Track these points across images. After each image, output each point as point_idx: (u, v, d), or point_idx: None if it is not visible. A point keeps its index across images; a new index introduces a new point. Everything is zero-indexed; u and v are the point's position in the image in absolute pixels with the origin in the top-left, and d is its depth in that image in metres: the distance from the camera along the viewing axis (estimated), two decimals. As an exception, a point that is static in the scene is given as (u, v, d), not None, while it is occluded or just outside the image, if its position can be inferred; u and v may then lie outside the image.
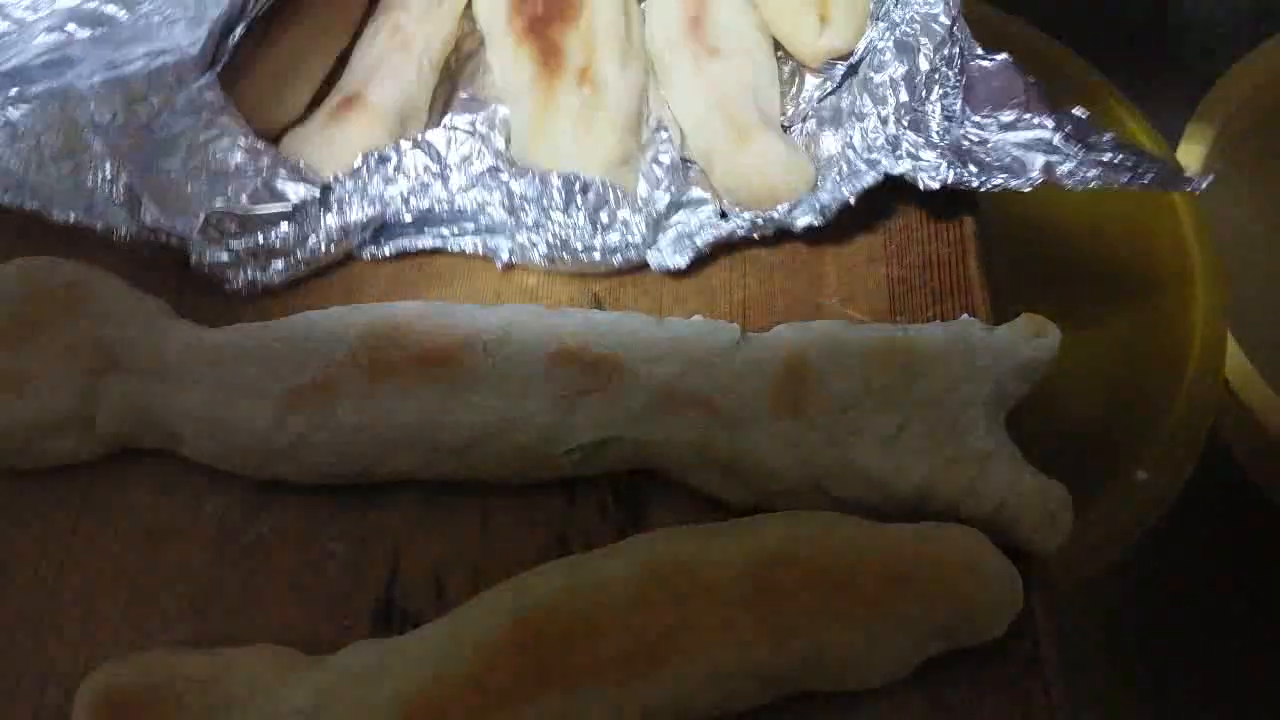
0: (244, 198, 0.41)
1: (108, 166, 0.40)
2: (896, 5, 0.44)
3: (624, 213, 0.41)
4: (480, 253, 0.42)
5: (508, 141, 0.44)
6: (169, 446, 0.37)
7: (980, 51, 0.42)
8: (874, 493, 0.34)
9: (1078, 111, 0.41)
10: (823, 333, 0.36)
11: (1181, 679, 0.62)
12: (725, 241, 0.42)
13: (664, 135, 0.44)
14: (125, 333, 0.37)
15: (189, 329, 0.38)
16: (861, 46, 0.45)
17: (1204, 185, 0.40)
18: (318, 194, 0.41)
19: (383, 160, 0.42)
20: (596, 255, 0.41)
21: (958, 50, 0.42)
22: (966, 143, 0.41)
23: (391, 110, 0.44)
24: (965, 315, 0.38)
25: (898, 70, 0.42)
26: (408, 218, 0.42)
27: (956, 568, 0.32)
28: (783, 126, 0.45)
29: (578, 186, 0.41)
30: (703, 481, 0.36)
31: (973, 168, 0.40)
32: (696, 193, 0.43)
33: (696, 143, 0.44)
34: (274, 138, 0.44)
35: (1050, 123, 0.41)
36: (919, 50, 0.42)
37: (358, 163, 0.42)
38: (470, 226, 0.43)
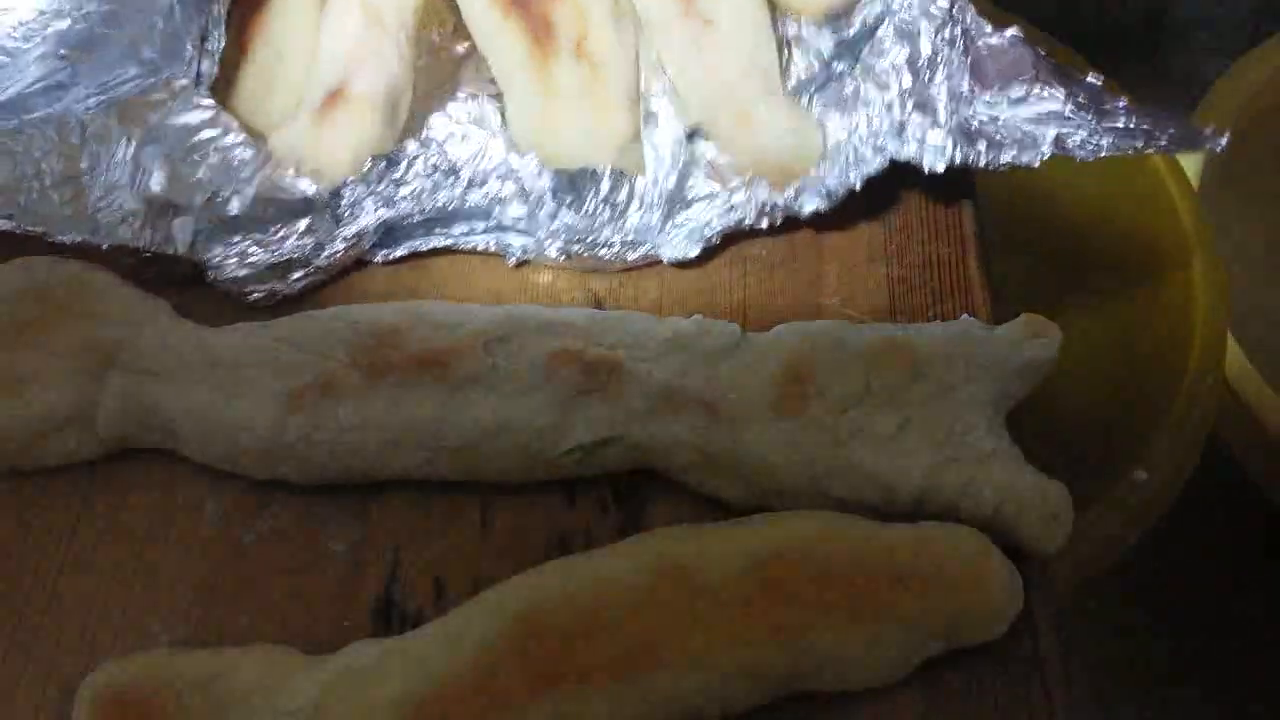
0: (253, 206, 0.40)
1: (125, 178, 0.40)
2: None
3: (635, 205, 0.41)
4: (493, 249, 0.42)
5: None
6: (169, 446, 0.37)
7: (988, 29, 0.41)
8: (874, 493, 0.34)
9: (1091, 78, 0.40)
10: (823, 333, 0.36)
11: (1181, 679, 0.62)
12: (734, 230, 0.41)
13: (665, 105, 0.43)
14: (125, 333, 0.37)
15: (189, 329, 0.38)
16: (858, 20, 0.43)
17: (1223, 144, 0.39)
18: (327, 199, 0.41)
19: (392, 163, 0.41)
20: (613, 249, 0.41)
21: (960, 31, 0.41)
22: (975, 122, 0.40)
23: (380, 99, 0.43)
24: (965, 315, 0.38)
25: (900, 55, 0.42)
26: (419, 218, 0.42)
27: (956, 567, 0.32)
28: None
29: (590, 178, 0.41)
30: (703, 481, 0.36)
31: (981, 146, 0.39)
32: (704, 186, 0.43)
33: (701, 116, 0.43)
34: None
35: (1061, 93, 0.40)
36: (919, 34, 0.41)
37: (366, 165, 0.41)
38: (481, 225, 0.42)
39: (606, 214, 0.41)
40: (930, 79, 0.41)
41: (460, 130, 0.43)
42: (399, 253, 0.42)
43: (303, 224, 0.41)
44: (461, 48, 0.46)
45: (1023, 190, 0.61)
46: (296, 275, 0.41)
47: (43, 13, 0.42)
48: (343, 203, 0.41)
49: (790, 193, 0.41)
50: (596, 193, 0.41)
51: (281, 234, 0.41)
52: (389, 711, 0.30)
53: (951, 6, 0.41)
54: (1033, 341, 0.36)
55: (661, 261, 0.42)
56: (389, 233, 0.42)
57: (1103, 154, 0.39)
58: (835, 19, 0.44)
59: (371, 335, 0.36)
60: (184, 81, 0.41)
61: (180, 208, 0.40)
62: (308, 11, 0.45)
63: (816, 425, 0.35)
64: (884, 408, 0.35)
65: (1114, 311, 0.59)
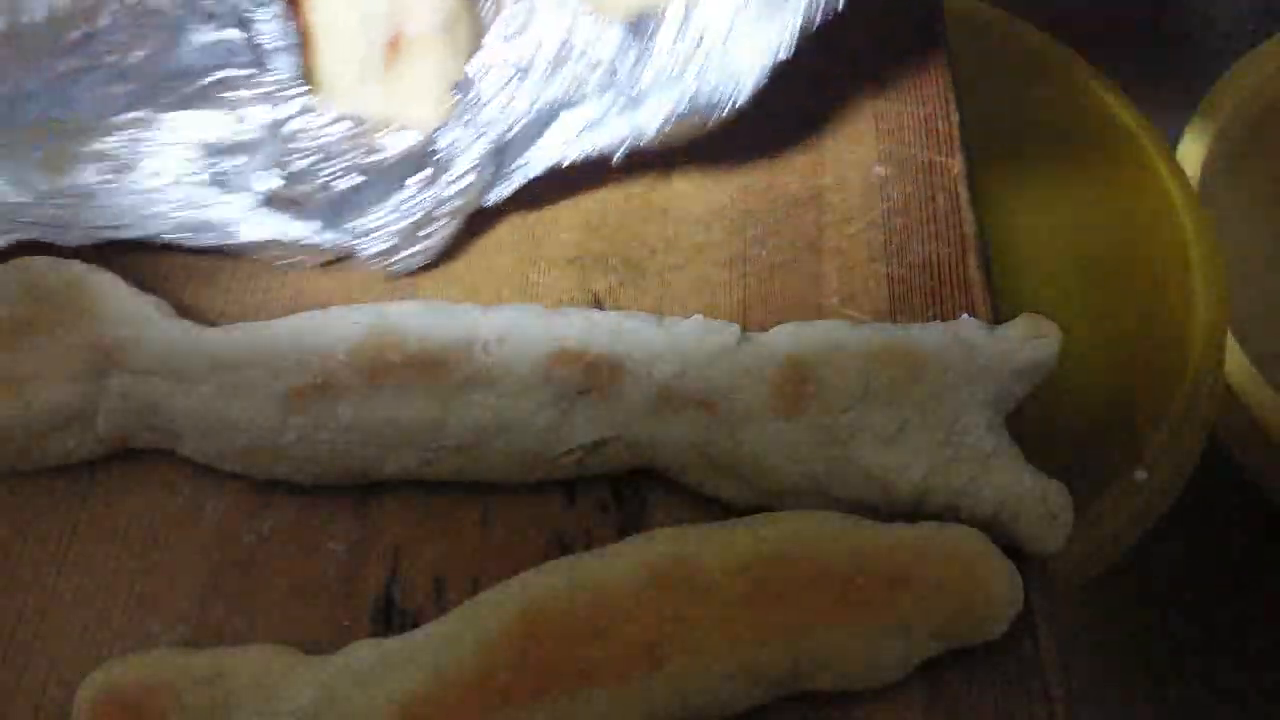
0: (359, 180, 0.40)
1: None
2: None
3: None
4: (599, 149, 0.41)
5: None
6: (169, 446, 0.37)
7: None
8: (874, 493, 0.34)
9: None
10: (823, 333, 0.36)
11: (1181, 679, 0.62)
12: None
13: None
14: (125, 333, 0.37)
15: (189, 329, 0.38)
16: None
17: None
18: (425, 150, 0.40)
19: (464, 87, 0.40)
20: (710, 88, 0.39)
21: None
22: None
23: (438, 31, 0.41)
24: (965, 315, 0.38)
25: None
26: (517, 133, 0.40)
27: (957, 568, 0.32)
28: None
29: (654, 17, 0.39)
30: (703, 481, 0.36)
31: None
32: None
33: None
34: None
35: None
36: None
37: (448, 102, 0.40)
38: (576, 123, 0.41)
39: (683, 49, 0.39)
40: None
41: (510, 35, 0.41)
42: (514, 186, 0.41)
43: (412, 182, 0.40)
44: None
45: (1023, 189, 0.62)
46: (426, 233, 0.41)
47: None
48: (439, 147, 0.40)
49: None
50: (667, 31, 0.39)
51: (396, 198, 0.41)
52: (389, 711, 0.30)
53: None
54: (1033, 341, 0.36)
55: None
56: (499, 164, 0.41)
57: None
58: None
59: (372, 335, 0.36)
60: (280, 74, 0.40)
61: (295, 202, 0.40)
62: None
63: (816, 425, 0.35)
64: (884, 408, 0.35)
65: (1114, 311, 0.59)
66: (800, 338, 0.36)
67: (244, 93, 0.40)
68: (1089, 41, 0.66)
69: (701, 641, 0.31)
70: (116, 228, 0.40)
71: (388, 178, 0.41)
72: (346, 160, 0.40)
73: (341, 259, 0.42)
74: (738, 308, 0.41)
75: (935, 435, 0.34)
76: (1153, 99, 0.65)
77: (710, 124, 0.40)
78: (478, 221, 0.43)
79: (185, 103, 0.40)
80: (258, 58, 0.40)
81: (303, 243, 0.41)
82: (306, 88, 0.40)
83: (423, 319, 0.37)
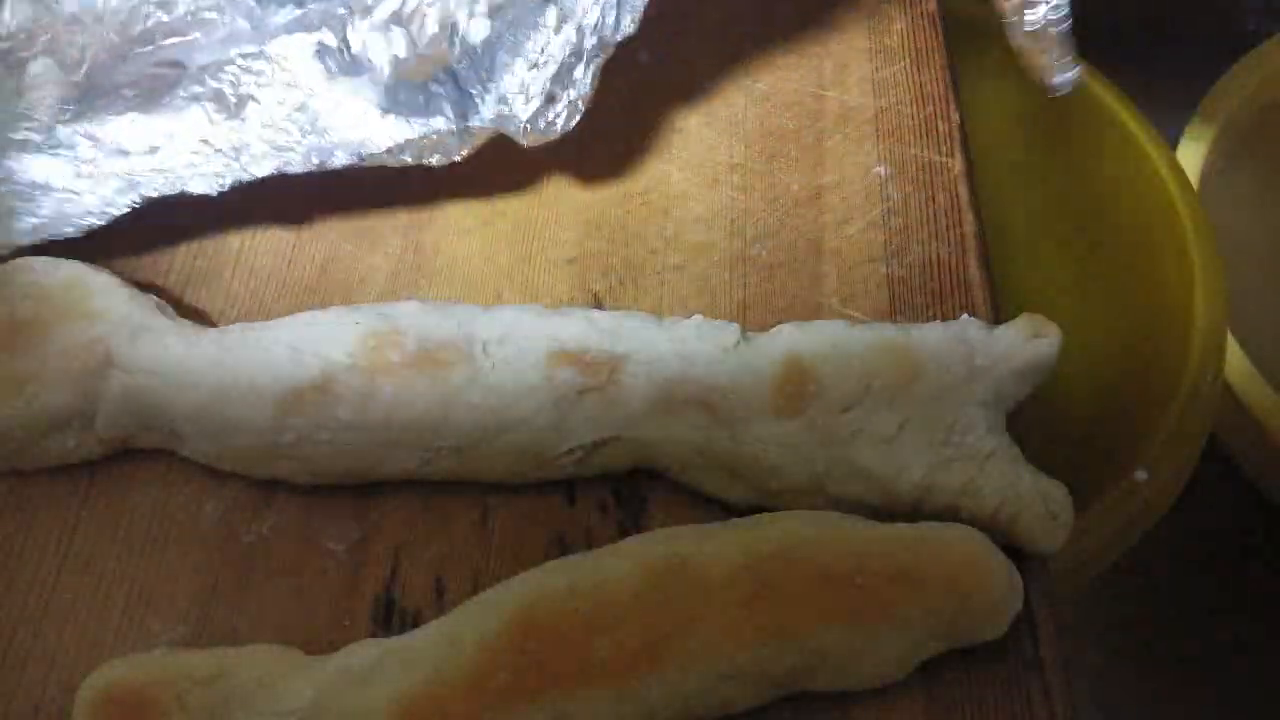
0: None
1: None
2: None
3: None
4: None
5: None
6: (169, 446, 0.37)
7: None
8: (874, 492, 0.34)
9: None
10: (823, 333, 0.36)
11: (1181, 679, 0.62)
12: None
13: None
14: (125, 333, 0.37)
15: (189, 329, 0.38)
16: None
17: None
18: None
19: None
20: None
21: None
22: None
23: None
24: (965, 315, 0.38)
25: None
26: None
27: (956, 568, 0.32)
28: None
29: None
30: (703, 481, 0.36)
31: None
32: None
33: None
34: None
35: None
36: None
37: None
38: None
39: None
40: None
41: None
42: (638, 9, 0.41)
43: (543, 24, 0.40)
44: None
45: (1023, 189, 0.62)
46: (569, 87, 0.41)
47: None
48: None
49: None
50: None
51: (529, 49, 0.40)
52: (389, 711, 0.30)
53: None
54: (1033, 341, 0.36)
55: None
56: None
57: None
58: None
59: (371, 335, 0.36)
60: None
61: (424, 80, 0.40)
62: None
63: (816, 425, 0.35)
64: (884, 408, 0.35)
65: (1114, 312, 0.59)
66: (800, 338, 0.36)
67: None
68: (1089, 41, 0.66)
69: (701, 641, 0.31)
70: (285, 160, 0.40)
71: (517, 20, 0.40)
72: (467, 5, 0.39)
73: (481, 146, 0.40)
74: (738, 308, 0.41)
75: (935, 435, 0.34)
76: (1153, 99, 0.65)
77: None
78: (484, 212, 0.43)
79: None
80: None
81: (439, 133, 0.40)
82: None
83: (423, 319, 0.37)
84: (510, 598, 0.32)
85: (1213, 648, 0.62)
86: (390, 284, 0.42)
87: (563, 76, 0.41)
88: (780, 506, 0.35)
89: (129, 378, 0.36)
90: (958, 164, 0.44)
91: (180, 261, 0.42)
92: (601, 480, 0.37)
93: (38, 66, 0.39)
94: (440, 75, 0.41)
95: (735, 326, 0.37)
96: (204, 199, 0.40)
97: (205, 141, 0.40)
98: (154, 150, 0.40)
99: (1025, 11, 0.38)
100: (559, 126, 0.41)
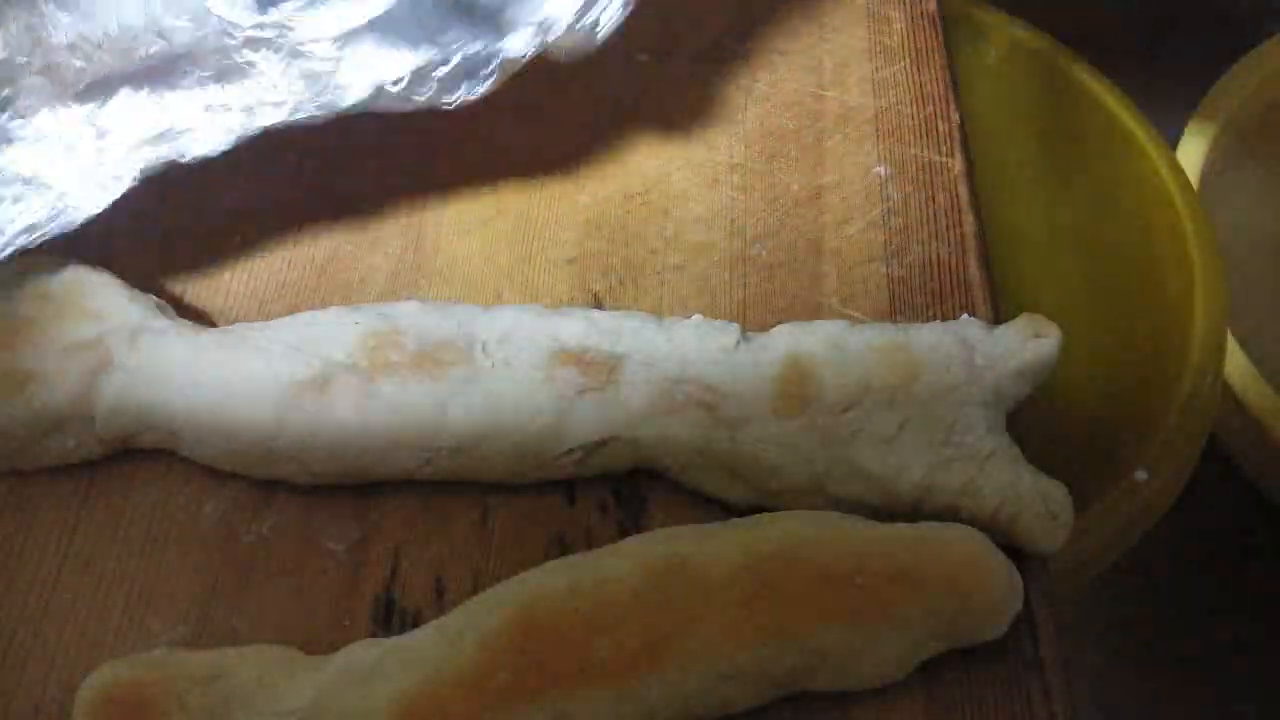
0: None
1: None
2: None
3: None
4: None
5: None
6: (169, 446, 0.37)
7: None
8: (874, 492, 0.34)
9: None
10: (823, 333, 0.37)
11: (1181, 679, 0.62)
12: None
13: None
14: (125, 333, 0.37)
15: (189, 329, 0.38)
16: None
17: None
18: None
19: None
20: None
21: None
22: None
23: None
24: (965, 315, 0.38)
25: None
26: None
27: (956, 568, 0.32)
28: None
29: None
30: (703, 481, 0.36)
31: None
32: None
33: None
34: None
35: None
36: None
37: None
38: None
39: None
40: None
41: None
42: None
43: None
44: None
45: (1023, 189, 0.62)
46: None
47: None
48: None
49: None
50: None
51: None
52: (389, 711, 0.30)
53: None
54: (1033, 341, 0.36)
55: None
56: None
57: None
58: None
59: (371, 335, 0.36)
60: None
61: None
62: None
63: (816, 425, 0.35)
64: (884, 408, 0.35)
65: (1114, 311, 0.59)
66: (800, 338, 0.36)
67: None
68: (1089, 41, 0.66)
69: (701, 641, 0.31)
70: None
71: None
72: None
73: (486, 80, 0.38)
74: (738, 308, 0.41)
75: (935, 435, 0.34)
76: (1153, 99, 0.65)
77: None
78: (485, 213, 0.43)
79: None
80: None
81: (465, 58, 0.38)
82: None
83: (422, 319, 0.37)
84: (510, 598, 0.32)
85: (1213, 648, 0.62)
86: (390, 284, 0.42)
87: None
88: (780, 506, 0.35)
89: (129, 378, 0.36)
90: (958, 164, 0.44)
91: (180, 261, 0.42)
92: (601, 480, 0.37)
93: (33, 82, 0.38)
94: None
95: (735, 326, 0.37)
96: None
97: (207, 108, 0.38)
98: (155, 125, 0.38)
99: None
100: (602, 28, 0.38)
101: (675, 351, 0.36)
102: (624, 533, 0.35)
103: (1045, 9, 0.67)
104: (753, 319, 0.40)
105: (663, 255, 0.43)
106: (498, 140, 0.43)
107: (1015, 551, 0.34)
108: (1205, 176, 0.64)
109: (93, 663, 0.32)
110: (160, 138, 0.38)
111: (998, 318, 0.40)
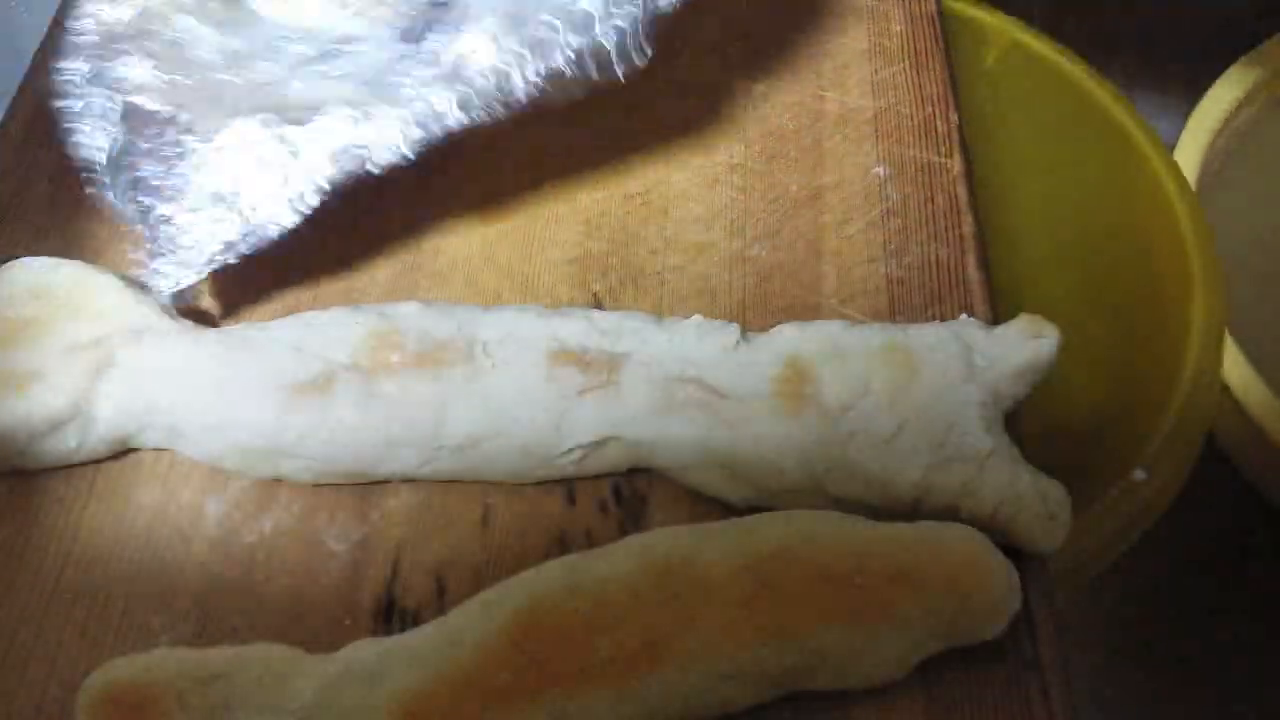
0: None
1: None
2: None
3: None
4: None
5: None
6: (169, 446, 0.37)
7: None
8: (873, 492, 0.34)
9: None
10: (823, 333, 0.37)
11: (1181, 679, 0.62)
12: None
13: None
14: (125, 333, 0.37)
15: (189, 329, 0.38)
16: None
17: None
18: None
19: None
20: None
21: None
22: None
23: None
24: (964, 315, 0.38)
25: None
26: None
27: (956, 567, 0.32)
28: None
29: None
30: (703, 481, 0.36)
31: None
32: None
33: None
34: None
35: None
36: None
37: None
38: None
39: None
40: None
41: None
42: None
43: None
44: None
45: (1022, 189, 0.62)
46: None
47: None
48: None
49: None
50: None
51: None
52: (389, 710, 0.30)
53: None
54: (1032, 341, 0.36)
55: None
56: None
57: None
58: None
59: (372, 335, 0.36)
60: None
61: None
62: None
63: (816, 425, 0.35)
64: (883, 408, 0.35)
65: (1113, 311, 0.59)
66: (800, 338, 0.36)
67: None
68: (1089, 41, 0.66)
69: (701, 641, 0.31)
70: None
71: None
72: None
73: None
74: (738, 308, 0.41)
75: (934, 435, 0.34)
76: (1153, 99, 0.65)
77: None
78: (485, 214, 0.44)
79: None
80: None
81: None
82: None
83: (423, 319, 0.37)
84: (510, 597, 0.32)
85: (1213, 648, 0.62)
86: (390, 284, 0.42)
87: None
88: (780, 506, 0.35)
89: (131, 378, 0.36)
90: (957, 165, 0.44)
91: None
92: (601, 480, 0.37)
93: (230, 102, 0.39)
94: None
95: (735, 326, 0.37)
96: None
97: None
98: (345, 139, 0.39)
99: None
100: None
101: (675, 351, 0.36)
102: (624, 533, 0.35)
103: (1045, 10, 0.67)
104: (752, 319, 0.40)
105: (662, 255, 0.43)
106: (498, 140, 0.43)
107: (1014, 551, 0.34)
108: (1204, 177, 0.64)
109: (94, 662, 0.32)
110: (346, 150, 0.38)
111: (996, 318, 0.40)
